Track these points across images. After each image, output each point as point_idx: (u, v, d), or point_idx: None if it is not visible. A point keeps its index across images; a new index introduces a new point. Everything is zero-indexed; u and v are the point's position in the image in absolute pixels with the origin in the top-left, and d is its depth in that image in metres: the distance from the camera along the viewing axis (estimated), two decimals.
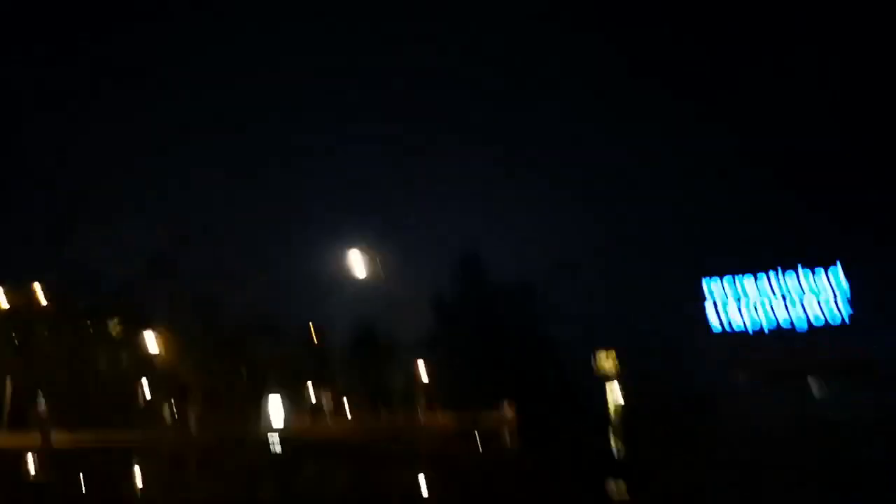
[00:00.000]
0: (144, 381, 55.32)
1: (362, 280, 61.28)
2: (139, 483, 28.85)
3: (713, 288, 50.66)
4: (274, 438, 54.37)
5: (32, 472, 34.06)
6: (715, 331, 50.69)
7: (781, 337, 48.07)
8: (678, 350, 51.22)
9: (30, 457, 38.74)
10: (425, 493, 25.12)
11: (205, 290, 57.81)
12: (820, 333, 46.97)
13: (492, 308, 60.66)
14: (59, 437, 45.10)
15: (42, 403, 50.91)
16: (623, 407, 51.23)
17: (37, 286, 47.27)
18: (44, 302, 46.71)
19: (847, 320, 46.11)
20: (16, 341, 46.77)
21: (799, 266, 47.38)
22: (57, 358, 46.24)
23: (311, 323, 72.29)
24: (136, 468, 35.23)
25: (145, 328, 54.15)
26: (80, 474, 32.14)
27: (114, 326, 48.13)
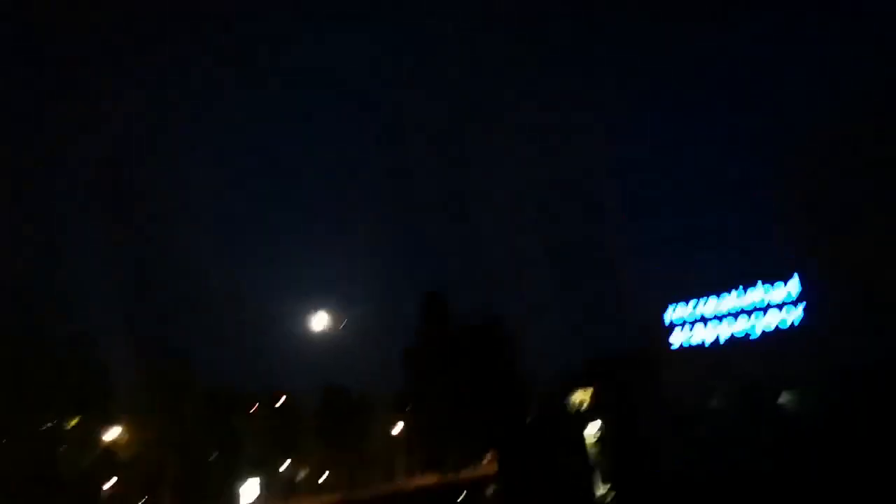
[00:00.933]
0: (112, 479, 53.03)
1: (329, 339, 60.45)
2: None
3: (678, 312, 51.26)
4: None
5: None
6: (684, 351, 51.05)
7: (747, 351, 48.62)
8: (651, 376, 51.37)
9: None
10: None
11: (174, 364, 56.04)
12: (783, 344, 47.65)
13: (461, 349, 59.81)
14: None
15: None
16: (602, 444, 50.99)
17: None
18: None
19: (807, 329, 47.06)
20: None
21: (759, 282, 48.38)
22: (15, 457, 43.77)
23: (280, 392, 70.67)
24: None
25: (109, 419, 51.91)
26: None
27: (73, 425, 45.87)
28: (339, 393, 72.11)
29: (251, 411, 66.48)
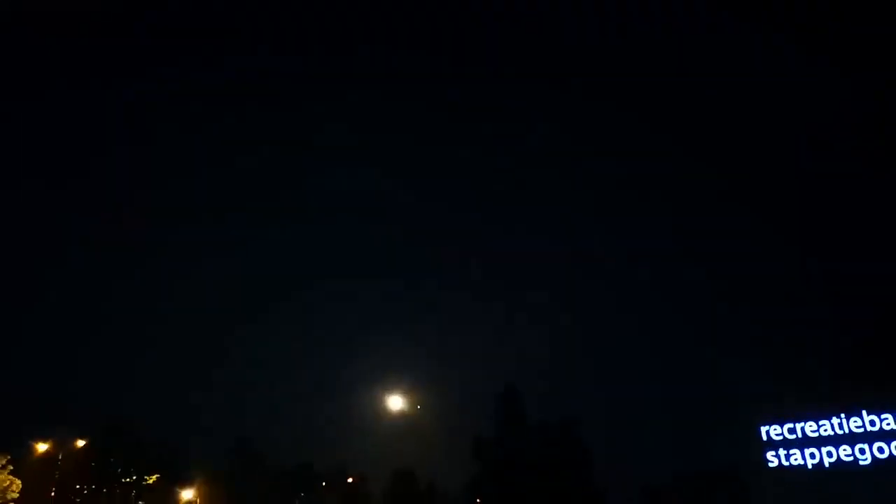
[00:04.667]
0: None
1: (401, 424, 60.12)
2: None
3: (771, 433, 47.79)
4: None
5: None
6: (781, 471, 47.20)
7: (854, 478, 44.40)
8: (743, 495, 47.76)
9: None
10: None
11: (246, 438, 57.64)
12: (885, 475, 43.32)
13: (533, 449, 57.89)
14: None
15: None
16: None
17: (80, 441, 47.49)
18: (84, 455, 46.69)
19: None
20: (52, 496, 46.32)
21: (863, 411, 44.58)
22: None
23: (351, 472, 70.51)
24: None
25: (184, 482, 53.68)
26: None
27: (152, 481, 47.46)
28: (408, 477, 71.23)
29: (321, 488, 66.59)
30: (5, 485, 44.12)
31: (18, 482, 44.33)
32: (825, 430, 45.71)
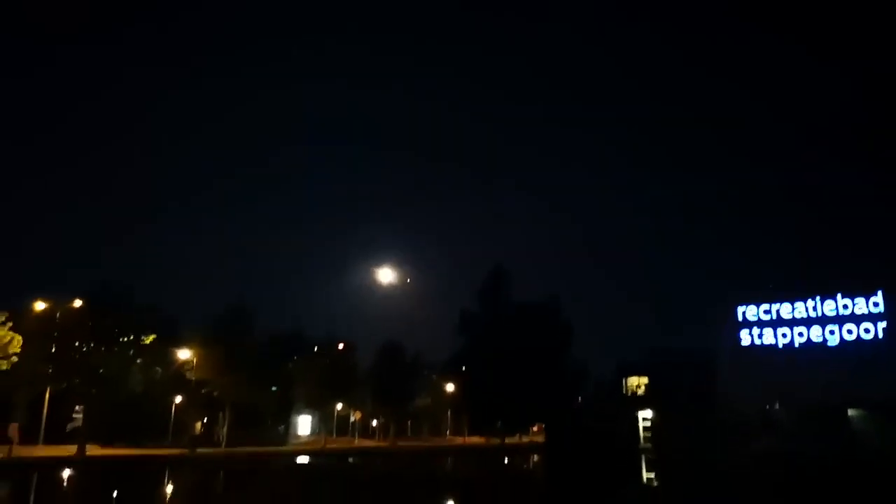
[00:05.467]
0: (178, 397, 56.43)
1: (391, 296, 61.64)
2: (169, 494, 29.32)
3: (747, 313, 49.68)
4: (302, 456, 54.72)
5: (66, 482, 34.82)
6: (753, 349, 49.52)
7: (821, 358, 46.78)
8: (711, 375, 50.23)
9: (66, 468, 39.46)
10: None
11: (238, 303, 58.82)
12: (856, 361, 45.61)
13: (518, 327, 59.82)
14: (94, 450, 46.17)
15: (80, 416, 52.07)
16: (655, 436, 50.44)
17: (77, 301, 48.23)
18: (81, 315, 47.60)
19: (886, 346, 44.96)
20: (53, 352, 47.62)
21: (839, 294, 46.23)
22: (93, 371, 46.94)
23: (339, 340, 72.88)
24: (168, 480, 35.71)
25: (179, 343, 55.34)
26: (114, 485, 32.70)
27: (149, 341, 48.80)
28: (395, 348, 73.95)
29: (310, 355, 68.80)
30: (6, 340, 45.31)
31: (19, 337, 45.52)
32: (799, 313, 47.76)
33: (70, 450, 45.28)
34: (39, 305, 49.71)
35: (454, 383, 72.42)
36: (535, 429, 78.87)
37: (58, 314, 48.90)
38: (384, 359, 73.06)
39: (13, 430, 42.96)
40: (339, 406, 73.64)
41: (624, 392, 57.60)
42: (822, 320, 47.91)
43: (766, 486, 33.21)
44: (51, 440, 49.70)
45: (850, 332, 46.78)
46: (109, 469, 40.88)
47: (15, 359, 45.57)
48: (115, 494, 30.77)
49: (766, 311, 50.14)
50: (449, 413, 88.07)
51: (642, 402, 54.46)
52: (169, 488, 33.65)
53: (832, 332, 46.72)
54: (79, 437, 46.40)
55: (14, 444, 42.31)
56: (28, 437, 47.78)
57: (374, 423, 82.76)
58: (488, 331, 60.89)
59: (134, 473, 39.92)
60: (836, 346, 46.42)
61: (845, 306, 46.49)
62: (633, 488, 32.60)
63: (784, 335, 49.79)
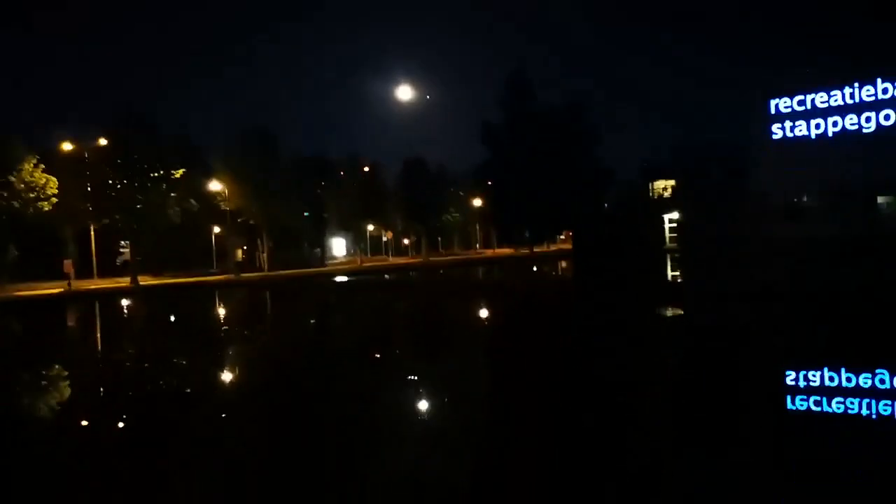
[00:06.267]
0: (216, 227, 58.24)
1: (412, 112, 60.44)
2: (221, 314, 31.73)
3: (780, 105, 47.88)
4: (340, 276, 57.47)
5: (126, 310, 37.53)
6: (786, 142, 48.39)
7: (850, 150, 45.76)
8: (741, 172, 49.75)
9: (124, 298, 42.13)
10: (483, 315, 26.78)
11: (261, 125, 58.36)
12: (891, 146, 44.55)
13: (541, 133, 58.83)
14: (146, 280, 49.01)
15: (127, 250, 54.53)
16: (680, 236, 51.22)
17: (102, 140, 48.31)
18: (108, 153, 47.92)
19: None
20: (88, 188, 48.69)
21: (878, 78, 43.96)
22: (130, 207, 48.10)
23: (364, 160, 73.11)
24: (220, 303, 38.27)
25: (209, 174, 56.00)
26: (171, 308, 35.30)
27: (179, 175, 49.35)
28: (419, 164, 74.02)
29: (337, 177, 69.39)
30: (42, 182, 46.36)
31: (55, 179, 46.51)
32: (835, 101, 45.84)
33: (124, 281, 48.10)
34: (67, 146, 50.11)
35: (480, 196, 73.38)
36: (562, 237, 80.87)
37: (86, 154, 49.37)
38: (409, 174, 73.51)
39: (68, 265, 45.33)
40: (371, 227, 75.76)
41: (651, 195, 57.76)
42: (859, 107, 45.99)
43: (783, 270, 34.03)
44: (103, 274, 52.66)
45: (887, 117, 45.12)
46: (164, 295, 43.72)
47: (55, 199, 46.93)
48: (177, 316, 33.21)
49: (800, 102, 48.15)
50: (478, 226, 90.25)
51: (669, 205, 54.79)
52: (223, 309, 36.04)
53: (868, 119, 45.18)
54: (129, 269, 49.05)
55: (71, 279, 44.98)
56: (82, 273, 50.57)
57: (406, 241, 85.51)
58: (511, 139, 60.11)
59: (189, 297, 42.65)
60: (871, 133, 45.12)
61: (885, 90, 44.41)
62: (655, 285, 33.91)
63: (818, 126, 48.22)
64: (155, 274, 53.58)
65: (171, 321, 30.80)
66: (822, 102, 46.57)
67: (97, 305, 38.51)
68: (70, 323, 32.70)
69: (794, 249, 39.66)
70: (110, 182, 47.62)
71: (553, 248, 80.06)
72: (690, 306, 28.01)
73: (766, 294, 30.27)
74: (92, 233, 51.20)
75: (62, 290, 43.34)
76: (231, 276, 52.52)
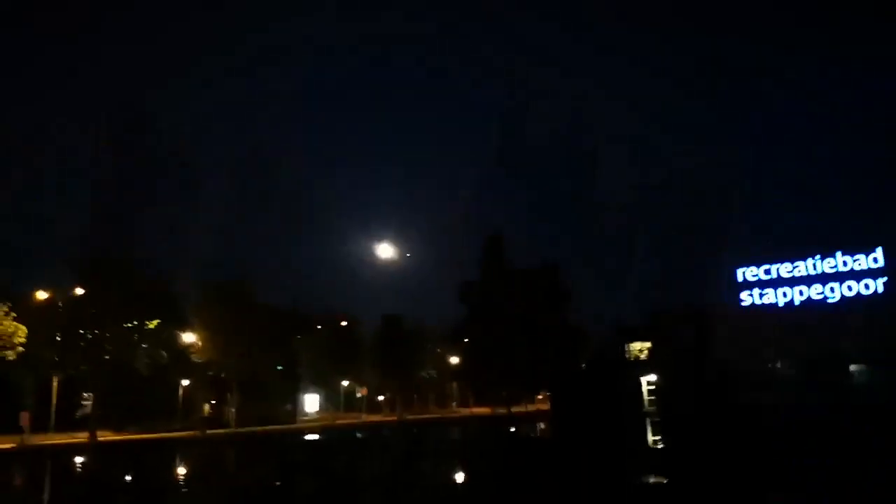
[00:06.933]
0: (185, 380, 56.65)
1: (391, 270, 61.74)
2: (182, 474, 29.88)
3: (750, 272, 49.84)
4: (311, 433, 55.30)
5: (80, 467, 35.38)
6: (754, 309, 49.69)
7: (822, 316, 46.99)
8: (712, 337, 50.47)
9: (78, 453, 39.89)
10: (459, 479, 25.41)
11: (239, 281, 58.56)
12: (860, 312, 45.87)
13: (517, 294, 59.91)
14: (106, 435, 46.64)
15: (89, 403, 52.42)
16: (659, 400, 50.90)
17: (77, 289, 48.10)
18: (83, 301, 47.52)
19: (885, 302, 45.27)
20: (58, 339, 47.65)
21: (838, 252, 46.39)
22: (99, 357, 46.97)
23: (341, 315, 73.22)
24: (179, 461, 36.29)
25: (182, 325, 55.37)
26: (126, 468, 33.25)
27: (153, 326, 48.80)
28: (396, 321, 74.35)
29: (313, 332, 69.02)
30: (10, 331, 45.35)
31: (24, 328, 45.52)
32: (799, 272, 47.94)
33: (82, 436, 45.68)
34: (41, 294, 49.69)
35: (457, 354, 72.93)
36: (539, 397, 79.65)
37: (60, 302, 48.87)
38: (387, 330, 73.42)
39: (24, 418, 43.18)
40: (346, 382, 74.24)
41: (627, 356, 57.94)
42: (823, 278, 48.08)
43: (765, 440, 33.62)
44: (61, 428, 50.05)
45: (850, 288, 46.99)
46: (122, 453, 41.37)
47: (21, 349, 45.66)
48: (130, 477, 31.20)
49: (766, 272, 50.30)
50: (454, 384, 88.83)
51: (645, 367, 54.87)
52: (182, 469, 34.11)
53: (832, 290, 46.99)
54: (89, 423, 46.80)
55: (25, 433, 42.65)
56: (38, 425, 48.08)
57: (381, 398, 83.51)
58: (488, 300, 61.01)
59: (147, 457, 40.39)
60: (836, 303, 46.72)
61: (845, 263, 46.67)
62: (639, 453, 33.08)
63: (784, 294, 49.98)
64: (116, 429, 51.03)
65: (114, 489, 28.54)
66: (787, 272, 48.65)
67: (48, 465, 36.18)
68: (16, 483, 30.52)
69: (768, 417, 39.42)
70: (80, 332, 46.81)
71: (532, 408, 78.51)
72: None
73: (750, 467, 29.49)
74: (55, 383, 49.36)
75: (13, 445, 40.90)
76: (196, 433, 50.26)
